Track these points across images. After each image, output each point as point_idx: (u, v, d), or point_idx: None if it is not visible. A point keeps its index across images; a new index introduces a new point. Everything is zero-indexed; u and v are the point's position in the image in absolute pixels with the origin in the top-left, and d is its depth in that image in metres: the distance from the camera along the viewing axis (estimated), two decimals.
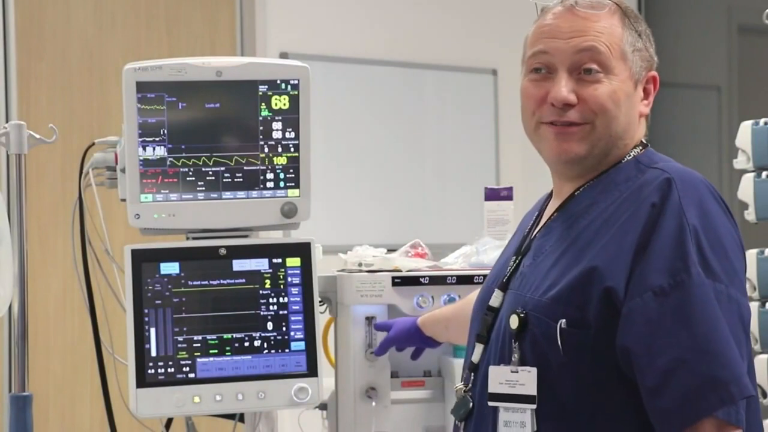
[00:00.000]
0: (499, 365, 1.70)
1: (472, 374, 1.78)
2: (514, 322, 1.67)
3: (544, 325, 1.64)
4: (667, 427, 1.57)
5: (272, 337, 2.35)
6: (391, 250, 2.66)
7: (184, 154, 2.35)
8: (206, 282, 2.35)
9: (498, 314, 1.76)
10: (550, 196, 1.86)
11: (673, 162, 1.73)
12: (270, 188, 2.39)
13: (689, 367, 1.55)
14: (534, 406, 1.65)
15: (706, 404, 1.55)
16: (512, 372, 1.67)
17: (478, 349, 1.77)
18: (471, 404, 1.76)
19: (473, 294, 2.00)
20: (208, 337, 2.33)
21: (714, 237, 1.60)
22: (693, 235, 1.59)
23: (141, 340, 2.30)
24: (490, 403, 1.71)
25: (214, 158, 2.36)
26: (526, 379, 1.65)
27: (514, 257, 1.80)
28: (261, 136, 2.37)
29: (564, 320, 1.62)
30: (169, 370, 2.30)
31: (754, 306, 2.84)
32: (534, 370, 1.65)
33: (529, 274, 1.73)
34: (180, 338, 2.32)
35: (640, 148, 1.76)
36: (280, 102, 2.36)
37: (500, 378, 1.69)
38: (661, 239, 1.59)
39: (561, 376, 1.64)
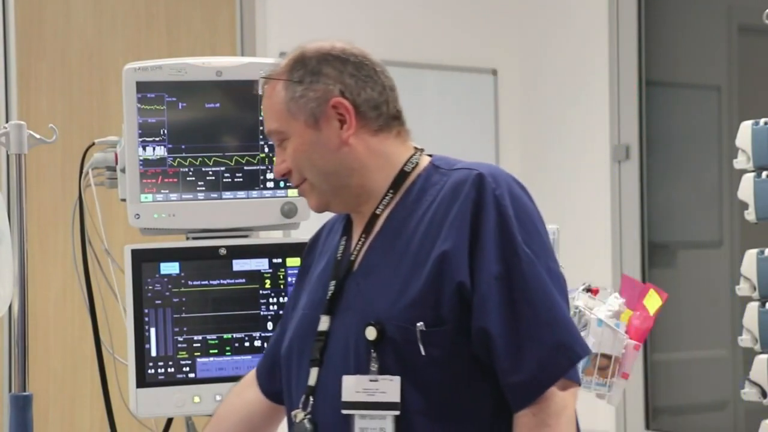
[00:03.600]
0: (354, 375, 1.75)
1: (311, 397, 1.81)
2: (371, 333, 1.74)
3: (403, 331, 1.73)
4: (523, 400, 1.71)
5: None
6: None
7: (184, 154, 2.35)
8: (206, 282, 2.35)
9: (329, 337, 1.81)
10: (345, 219, 1.96)
11: (467, 161, 1.86)
12: (270, 188, 2.39)
13: (538, 339, 1.71)
14: (397, 412, 1.72)
15: (557, 369, 1.71)
16: (371, 381, 1.74)
17: (314, 372, 1.81)
18: (311, 426, 1.79)
19: (223, 411, 2.04)
20: (208, 337, 2.33)
21: (527, 218, 1.78)
22: (512, 221, 1.75)
23: (141, 340, 2.30)
24: (345, 411, 1.75)
25: (214, 158, 2.36)
26: (387, 387, 1.73)
27: (334, 281, 1.84)
28: (261, 136, 2.37)
29: (422, 322, 1.72)
30: (169, 370, 2.30)
31: (754, 306, 2.83)
32: (397, 379, 1.73)
33: (370, 290, 1.80)
34: (180, 338, 2.32)
35: (419, 154, 1.88)
36: None
37: (357, 387, 1.75)
38: (488, 231, 1.74)
39: (425, 375, 1.72)
